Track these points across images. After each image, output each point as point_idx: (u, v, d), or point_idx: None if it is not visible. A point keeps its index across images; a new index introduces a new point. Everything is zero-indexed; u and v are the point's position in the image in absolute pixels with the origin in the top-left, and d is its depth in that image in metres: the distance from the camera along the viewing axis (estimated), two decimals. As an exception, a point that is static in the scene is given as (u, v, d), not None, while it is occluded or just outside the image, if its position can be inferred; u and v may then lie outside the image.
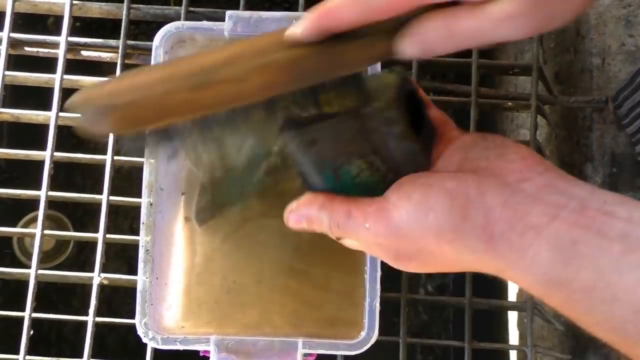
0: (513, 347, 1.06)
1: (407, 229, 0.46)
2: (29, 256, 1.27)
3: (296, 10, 0.78)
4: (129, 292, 0.70)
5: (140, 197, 0.68)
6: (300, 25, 0.45)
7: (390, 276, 0.68)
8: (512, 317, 1.13)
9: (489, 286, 0.76)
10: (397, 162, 0.49)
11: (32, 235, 0.76)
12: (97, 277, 0.74)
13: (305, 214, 0.51)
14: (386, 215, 0.47)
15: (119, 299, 1.21)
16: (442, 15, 0.44)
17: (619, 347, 0.42)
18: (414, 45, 0.45)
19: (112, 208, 0.76)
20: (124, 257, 1.34)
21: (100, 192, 0.76)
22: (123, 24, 0.79)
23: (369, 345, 0.66)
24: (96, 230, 0.76)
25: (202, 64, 0.46)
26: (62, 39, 0.79)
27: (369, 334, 0.66)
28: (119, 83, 0.49)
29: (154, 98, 0.46)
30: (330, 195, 0.51)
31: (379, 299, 0.66)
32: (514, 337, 1.10)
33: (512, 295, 1.08)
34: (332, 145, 0.49)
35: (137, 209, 0.69)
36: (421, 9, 0.44)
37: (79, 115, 0.48)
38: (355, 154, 0.49)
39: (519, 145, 0.48)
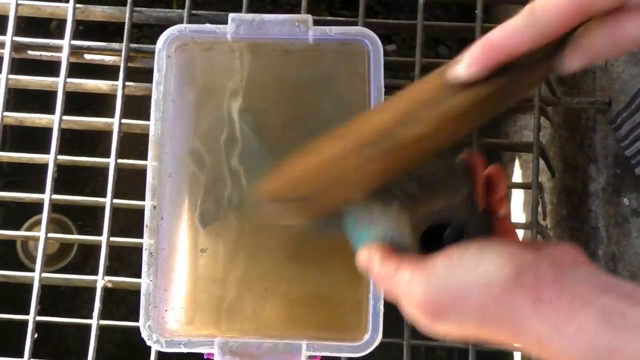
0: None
1: (454, 277, 0.45)
2: (32, 259, 1.27)
3: (299, 12, 0.78)
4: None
5: (144, 199, 0.68)
6: (466, 64, 0.44)
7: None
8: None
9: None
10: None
11: (36, 239, 0.76)
12: (101, 280, 0.74)
13: (376, 263, 0.49)
14: (434, 263, 0.46)
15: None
16: (605, 24, 0.43)
17: None
18: (580, 59, 0.44)
19: (116, 211, 0.76)
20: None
21: (104, 195, 0.76)
22: (126, 27, 0.79)
23: (373, 347, 0.66)
24: (100, 234, 0.76)
25: (377, 130, 0.45)
26: (65, 42, 0.79)
27: (372, 336, 0.66)
28: (297, 170, 0.48)
29: (341, 178, 0.45)
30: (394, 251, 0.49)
31: (382, 301, 0.66)
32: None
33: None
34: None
35: (141, 211, 0.69)
36: (586, 20, 0.43)
37: (268, 207, 0.48)
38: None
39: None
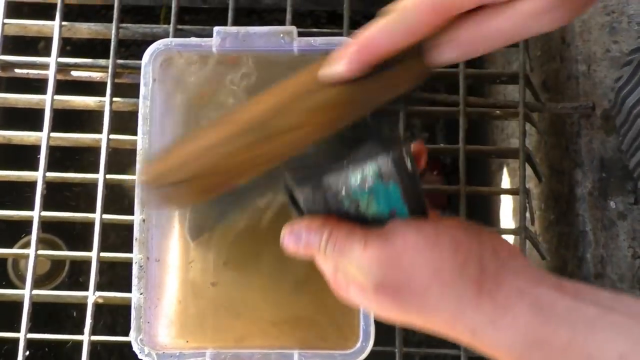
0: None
1: (408, 257, 0.46)
2: (23, 280, 1.26)
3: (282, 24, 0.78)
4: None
5: (132, 214, 0.68)
6: (340, 62, 0.45)
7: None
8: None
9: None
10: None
11: (26, 257, 0.76)
12: (92, 296, 0.74)
13: (306, 230, 0.50)
14: (390, 239, 0.47)
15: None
16: (472, 18, 0.45)
17: None
18: (449, 51, 0.46)
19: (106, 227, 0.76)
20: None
21: (93, 211, 0.76)
22: (112, 42, 0.80)
23: (364, 355, 0.66)
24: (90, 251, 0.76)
25: (252, 120, 0.46)
26: (52, 59, 0.79)
27: (364, 344, 0.66)
28: (178, 154, 0.48)
29: (222, 163, 0.46)
30: (333, 217, 0.50)
31: (373, 309, 0.66)
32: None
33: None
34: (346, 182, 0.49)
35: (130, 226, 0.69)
36: (451, 19, 0.45)
37: (144, 193, 0.49)
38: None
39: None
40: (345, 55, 0.45)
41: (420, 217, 0.49)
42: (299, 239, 0.50)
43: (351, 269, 0.48)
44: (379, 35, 0.45)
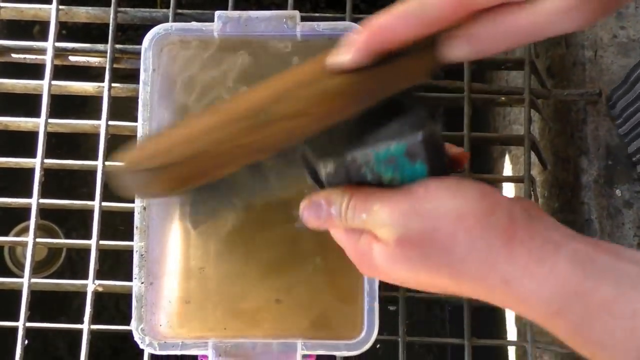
0: (513, 343, 1.05)
1: (431, 204, 0.44)
2: (20, 267, 1.26)
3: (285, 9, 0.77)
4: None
5: (133, 202, 0.67)
6: (349, 50, 0.44)
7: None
8: (510, 313, 1.13)
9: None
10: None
11: (24, 244, 0.75)
12: (91, 284, 0.73)
13: (325, 200, 0.48)
14: (411, 190, 0.45)
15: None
16: (492, 15, 0.43)
17: None
18: (464, 46, 0.44)
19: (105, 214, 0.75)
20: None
21: (92, 199, 0.75)
22: (110, 27, 0.78)
23: (368, 345, 0.66)
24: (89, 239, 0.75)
25: (250, 106, 0.45)
26: (49, 44, 0.78)
27: (368, 334, 0.66)
28: (162, 141, 0.46)
29: (208, 152, 0.44)
30: (353, 185, 0.48)
31: (377, 299, 0.66)
32: (512, 334, 1.10)
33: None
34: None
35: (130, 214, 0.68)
36: (472, 15, 0.43)
37: (124, 179, 0.46)
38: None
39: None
40: (355, 42, 0.43)
41: None
42: (319, 209, 0.48)
43: (373, 227, 0.46)
44: (394, 23, 0.43)
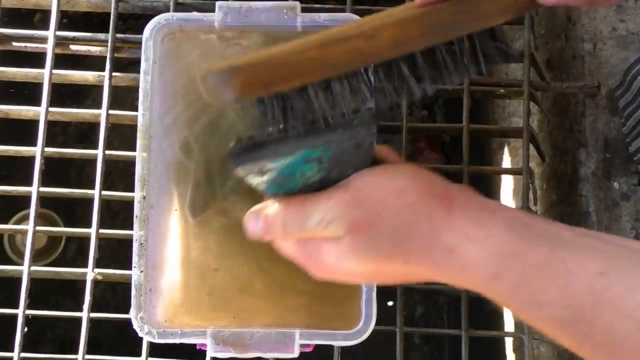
0: (510, 335, 1.05)
1: (371, 191, 0.46)
2: (20, 255, 1.26)
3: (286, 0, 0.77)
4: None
5: (133, 191, 0.68)
6: None
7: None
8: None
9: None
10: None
11: (24, 232, 0.75)
12: (90, 273, 0.73)
13: (263, 213, 0.50)
14: (348, 183, 0.47)
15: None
16: None
17: (568, 332, 0.41)
18: None
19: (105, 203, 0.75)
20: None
21: (92, 187, 0.75)
22: (112, 16, 0.79)
23: (366, 335, 0.66)
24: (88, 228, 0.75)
25: (330, 31, 0.46)
26: (50, 32, 0.78)
27: (366, 324, 0.66)
28: (241, 57, 0.48)
29: (281, 57, 0.45)
30: (283, 196, 0.50)
31: (375, 289, 0.66)
32: (509, 325, 1.10)
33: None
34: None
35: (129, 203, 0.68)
36: None
37: (207, 80, 0.47)
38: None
39: None
40: None
41: None
42: (257, 223, 0.51)
43: (316, 230, 0.47)
44: None
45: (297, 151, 0.46)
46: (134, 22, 1.41)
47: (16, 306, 0.73)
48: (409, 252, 0.45)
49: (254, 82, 0.45)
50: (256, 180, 0.49)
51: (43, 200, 0.77)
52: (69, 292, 1.27)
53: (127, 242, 0.69)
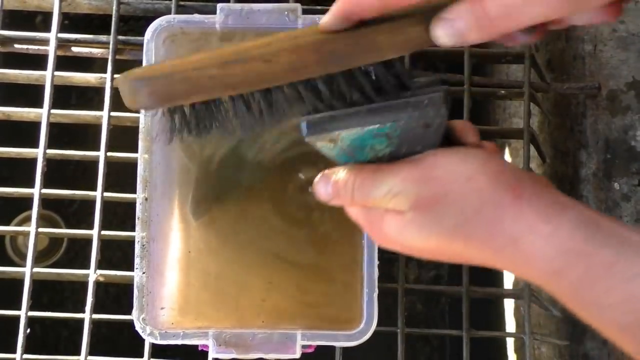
0: (511, 335, 1.06)
1: (441, 170, 0.46)
2: (22, 256, 1.26)
3: (286, 1, 0.77)
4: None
5: (134, 192, 0.68)
6: (328, 13, 0.45)
7: (386, 266, 0.67)
8: (508, 305, 1.13)
9: (485, 275, 0.76)
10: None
11: (26, 234, 0.75)
12: (92, 274, 0.74)
13: (334, 178, 0.50)
14: (420, 159, 0.47)
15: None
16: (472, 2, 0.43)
17: (630, 337, 0.41)
18: (447, 31, 0.44)
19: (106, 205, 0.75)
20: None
21: (94, 189, 0.75)
22: (113, 18, 0.79)
23: (367, 336, 0.66)
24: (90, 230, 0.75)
25: (238, 47, 0.47)
26: (52, 35, 0.78)
27: (367, 325, 0.66)
28: (160, 64, 0.49)
29: (184, 73, 0.46)
30: (357, 164, 0.50)
31: (376, 290, 0.66)
32: (510, 326, 1.11)
33: (508, 284, 1.08)
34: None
35: (132, 204, 0.68)
36: None
37: (122, 87, 0.48)
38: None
39: None
40: (333, 6, 0.45)
41: None
42: (327, 187, 0.51)
43: (383, 202, 0.48)
44: None
45: (367, 126, 0.47)
46: (135, 23, 1.41)
47: (18, 307, 0.73)
48: (471, 236, 0.45)
49: (160, 94, 0.47)
50: (326, 148, 0.49)
51: (45, 201, 0.77)
52: (63, 293, 1.27)
53: (127, 243, 0.69)
